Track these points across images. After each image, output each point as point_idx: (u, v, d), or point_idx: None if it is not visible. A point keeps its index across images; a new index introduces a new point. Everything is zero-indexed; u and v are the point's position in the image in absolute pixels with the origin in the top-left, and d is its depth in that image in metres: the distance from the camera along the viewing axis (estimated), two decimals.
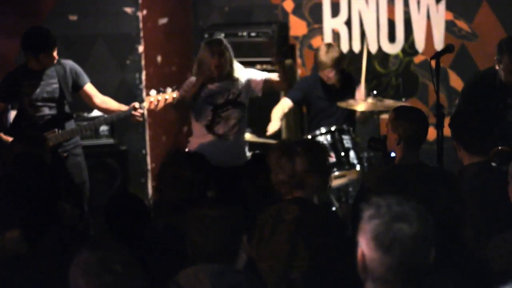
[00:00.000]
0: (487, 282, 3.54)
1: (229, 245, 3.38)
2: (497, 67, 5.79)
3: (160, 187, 4.56)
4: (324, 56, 6.93)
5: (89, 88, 6.47)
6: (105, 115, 6.56)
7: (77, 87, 6.43)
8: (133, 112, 6.27)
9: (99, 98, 6.51)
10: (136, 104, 6.28)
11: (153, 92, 6.25)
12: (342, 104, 6.84)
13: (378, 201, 2.55)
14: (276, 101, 7.52)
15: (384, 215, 2.51)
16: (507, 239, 3.67)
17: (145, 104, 6.29)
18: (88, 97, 6.48)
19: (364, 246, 2.53)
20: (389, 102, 6.87)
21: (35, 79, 6.31)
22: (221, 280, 3.24)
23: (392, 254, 2.48)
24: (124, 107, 6.37)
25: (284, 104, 7.16)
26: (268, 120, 7.05)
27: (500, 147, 5.15)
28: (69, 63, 6.45)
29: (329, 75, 6.97)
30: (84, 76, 6.47)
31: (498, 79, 5.82)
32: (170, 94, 6.31)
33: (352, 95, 7.03)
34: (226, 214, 3.43)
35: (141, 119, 6.36)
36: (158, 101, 6.27)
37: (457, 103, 6.22)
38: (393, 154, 4.67)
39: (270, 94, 7.66)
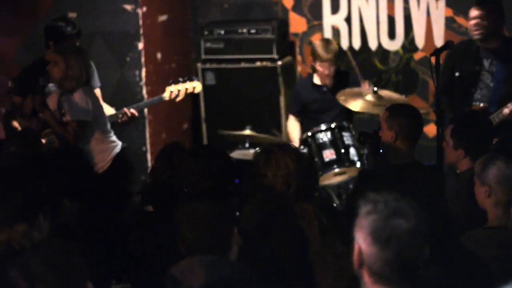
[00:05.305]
0: (478, 279, 3.56)
1: (220, 238, 3.42)
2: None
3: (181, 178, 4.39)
4: (324, 51, 6.91)
5: (97, 92, 6.44)
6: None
7: None
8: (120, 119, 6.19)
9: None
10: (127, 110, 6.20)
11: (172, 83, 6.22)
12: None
13: (375, 197, 2.57)
14: (275, 96, 7.52)
15: (382, 211, 2.53)
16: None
17: (166, 95, 6.25)
18: None
19: (361, 241, 2.54)
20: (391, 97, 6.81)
21: None
22: (215, 271, 3.27)
23: (389, 248, 2.51)
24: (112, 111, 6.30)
25: (293, 122, 7.21)
26: (267, 116, 7.05)
27: None
28: None
29: (330, 69, 6.94)
30: (97, 80, 6.42)
31: (474, 45, 6.00)
32: (191, 84, 6.26)
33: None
34: (216, 207, 3.47)
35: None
36: (179, 91, 6.24)
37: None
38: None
39: (269, 90, 7.67)
